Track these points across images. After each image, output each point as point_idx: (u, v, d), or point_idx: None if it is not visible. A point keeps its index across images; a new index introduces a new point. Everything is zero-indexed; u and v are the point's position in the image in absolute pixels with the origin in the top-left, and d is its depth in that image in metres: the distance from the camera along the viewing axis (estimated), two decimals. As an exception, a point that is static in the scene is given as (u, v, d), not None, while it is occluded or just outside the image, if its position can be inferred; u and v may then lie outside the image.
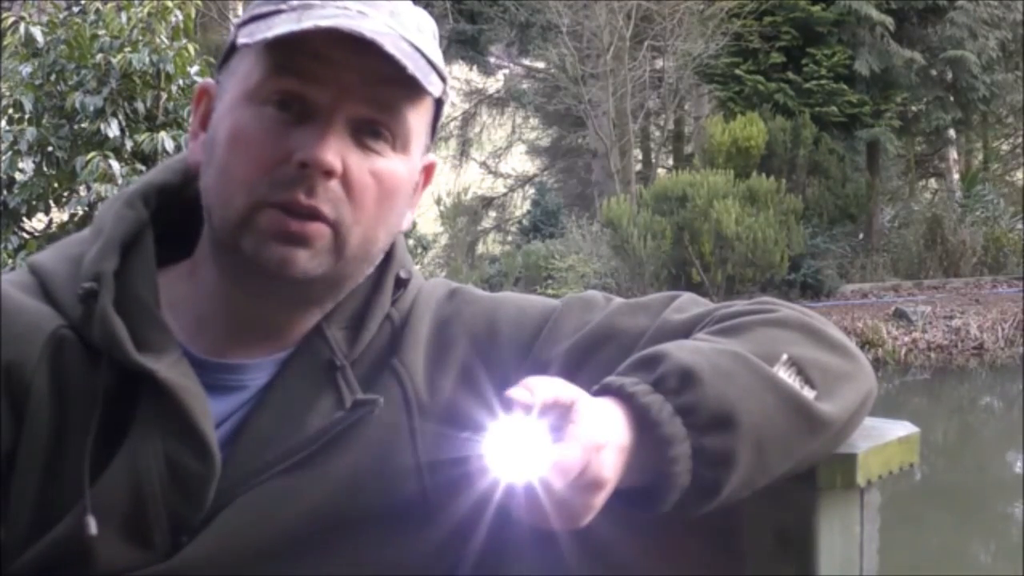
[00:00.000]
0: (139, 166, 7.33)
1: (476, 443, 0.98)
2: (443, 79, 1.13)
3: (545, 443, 0.94)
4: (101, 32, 7.57)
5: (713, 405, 1.02)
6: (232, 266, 1.11)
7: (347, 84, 1.06)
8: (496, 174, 23.90)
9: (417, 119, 1.12)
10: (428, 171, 1.19)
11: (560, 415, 0.96)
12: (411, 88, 1.07)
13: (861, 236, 18.01)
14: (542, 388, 0.96)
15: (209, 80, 1.17)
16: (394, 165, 1.10)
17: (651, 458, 1.01)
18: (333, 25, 1.03)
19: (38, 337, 1.09)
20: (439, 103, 1.15)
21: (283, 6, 1.09)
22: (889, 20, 17.17)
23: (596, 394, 1.02)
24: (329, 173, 1.06)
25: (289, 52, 1.05)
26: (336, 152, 1.06)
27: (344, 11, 1.07)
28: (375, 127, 1.09)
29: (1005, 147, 24.48)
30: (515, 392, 0.95)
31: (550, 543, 1.06)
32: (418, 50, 1.09)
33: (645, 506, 1.03)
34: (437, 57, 1.12)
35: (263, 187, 1.06)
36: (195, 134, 1.16)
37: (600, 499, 0.98)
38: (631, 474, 1.00)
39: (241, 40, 1.07)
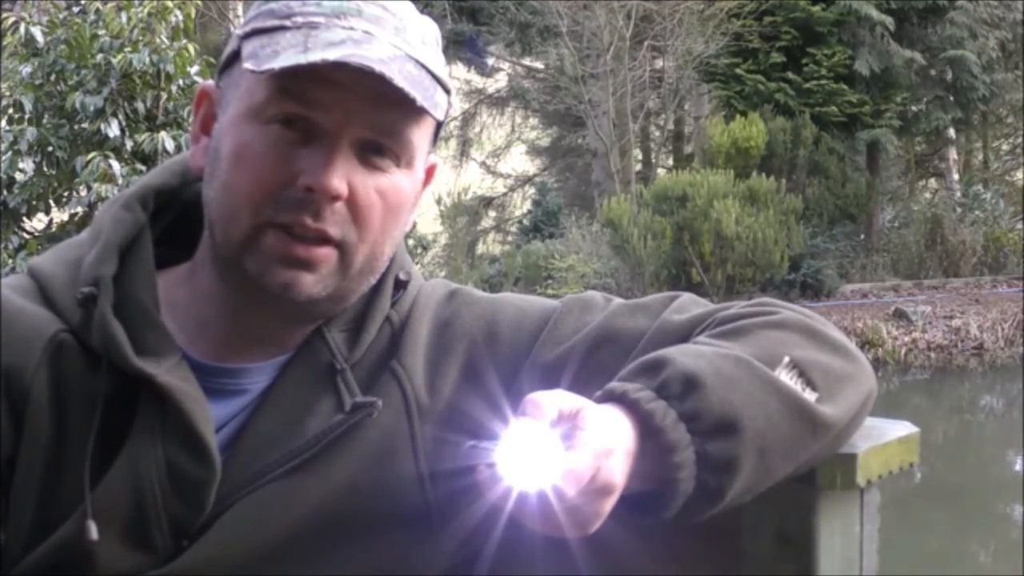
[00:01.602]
0: (139, 166, 7.33)
1: (480, 448, 0.98)
2: (447, 90, 1.12)
3: (557, 451, 0.93)
4: (101, 32, 7.57)
5: (717, 411, 1.02)
6: (235, 280, 1.11)
7: (353, 108, 1.06)
8: (496, 174, 23.90)
9: (421, 135, 1.12)
10: (429, 172, 1.19)
11: (568, 423, 0.96)
12: (417, 110, 1.07)
13: (861, 236, 18.01)
14: (546, 405, 0.96)
15: (209, 83, 1.17)
16: (398, 181, 1.10)
17: (655, 464, 1.01)
18: (340, 59, 1.02)
19: (38, 341, 1.09)
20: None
21: (287, 22, 1.08)
22: (889, 20, 17.18)
23: (599, 400, 1.02)
24: (335, 197, 1.06)
25: (294, 76, 1.04)
26: (342, 176, 1.06)
27: (350, 33, 1.06)
28: (380, 147, 1.09)
29: (1005, 147, 24.48)
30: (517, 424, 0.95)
31: (551, 543, 1.06)
32: (424, 67, 1.09)
33: (649, 512, 1.04)
34: (441, 68, 1.12)
35: (268, 208, 1.06)
36: (196, 137, 1.16)
37: (609, 504, 0.98)
38: (635, 480, 1.00)
39: (247, 64, 1.06)
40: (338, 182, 1.05)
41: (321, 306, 1.11)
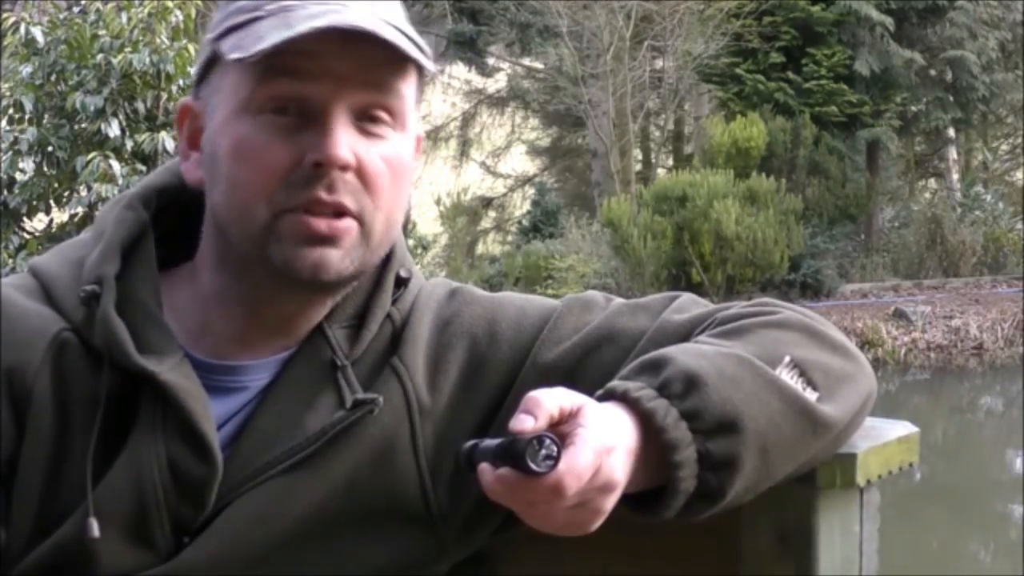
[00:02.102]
0: (139, 166, 7.34)
1: (481, 446, 0.98)
2: (424, 53, 1.12)
3: (557, 448, 0.94)
4: (101, 32, 7.58)
5: (718, 410, 1.02)
6: (257, 276, 1.10)
7: (342, 74, 1.06)
8: (496, 174, 23.89)
9: (409, 91, 1.11)
10: (416, 143, 1.19)
11: (569, 420, 0.97)
12: (401, 65, 1.07)
13: (861, 236, 18.01)
14: (547, 402, 0.96)
15: (188, 99, 1.16)
16: (398, 146, 1.10)
17: (656, 463, 1.01)
18: (329, 24, 1.03)
19: (40, 340, 1.09)
20: (420, 73, 1.14)
21: (259, 12, 1.07)
22: (889, 20, 17.18)
23: (600, 399, 1.02)
24: (345, 167, 1.06)
25: (279, 55, 1.04)
26: (347, 145, 1.06)
27: (327, 5, 1.06)
28: (374, 111, 1.08)
29: (1004, 147, 24.47)
30: (517, 422, 0.95)
31: (551, 542, 1.06)
32: (399, 29, 1.09)
33: (650, 510, 1.04)
34: (415, 35, 1.12)
35: (281, 194, 1.06)
36: (185, 155, 1.15)
37: (611, 502, 0.98)
38: (636, 479, 1.00)
39: (232, 56, 1.06)
40: (345, 151, 1.05)
41: (347, 281, 1.11)
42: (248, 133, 1.07)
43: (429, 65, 1.08)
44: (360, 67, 1.06)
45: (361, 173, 1.07)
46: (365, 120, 1.08)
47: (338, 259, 1.07)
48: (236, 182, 1.07)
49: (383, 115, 1.09)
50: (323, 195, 1.05)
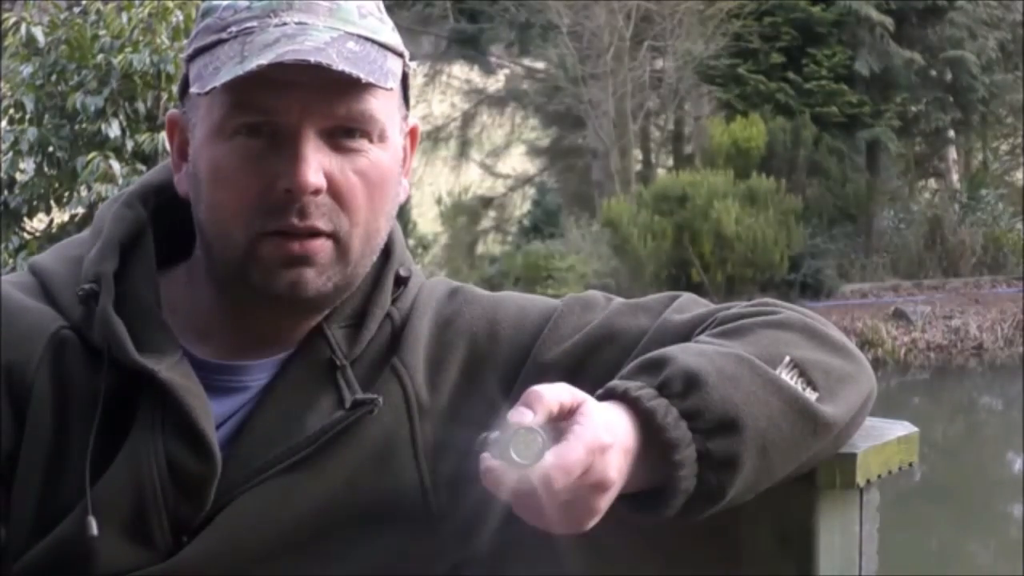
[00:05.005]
0: (140, 166, 7.33)
1: (489, 439, 0.98)
2: (400, 54, 1.12)
3: (548, 443, 0.94)
4: (102, 32, 7.57)
5: (718, 409, 1.02)
6: (239, 292, 1.11)
7: (308, 101, 1.06)
8: (496, 174, 23.86)
9: (387, 105, 1.11)
10: (412, 135, 1.19)
11: (567, 417, 0.97)
12: (369, 86, 1.07)
13: (861, 236, 18.01)
14: (547, 397, 0.96)
15: (175, 111, 1.17)
16: (376, 156, 1.10)
17: (656, 462, 1.01)
18: (274, 59, 1.03)
19: (39, 338, 1.09)
20: (404, 72, 1.14)
21: (223, 34, 1.08)
22: (889, 20, 17.18)
23: (600, 398, 1.02)
24: (316, 192, 1.06)
25: (243, 87, 1.05)
26: (316, 168, 1.06)
27: (283, 30, 1.06)
28: (348, 129, 1.09)
29: (1004, 147, 24.47)
30: (515, 414, 0.96)
31: (551, 542, 1.06)
32: (368, 40, 1.08)
33: (649, 510, 1.04)
34: (388, 35, 1.12)
35: (257, 218, 1.07)
36: (177, 166, 1.16)
37: (605, 501, 0.98)
38: (636, 478, 1.01)
39: (192, 89, 1.08)
40: (314, 176, 1.06)
41: (329, 298, 1.12)
42: (223, 157, 1.07)
43: (389, 83, 1.07)
44: (324, 93, 1.06)
45: (334, 192, 1.08)
46: (339, 136, 1.08)
47: (314, 277, 1.08)
48: (214, 205, 1.09)
49: (357, 131, 1.09)
50: (295, 222, 1.06)
